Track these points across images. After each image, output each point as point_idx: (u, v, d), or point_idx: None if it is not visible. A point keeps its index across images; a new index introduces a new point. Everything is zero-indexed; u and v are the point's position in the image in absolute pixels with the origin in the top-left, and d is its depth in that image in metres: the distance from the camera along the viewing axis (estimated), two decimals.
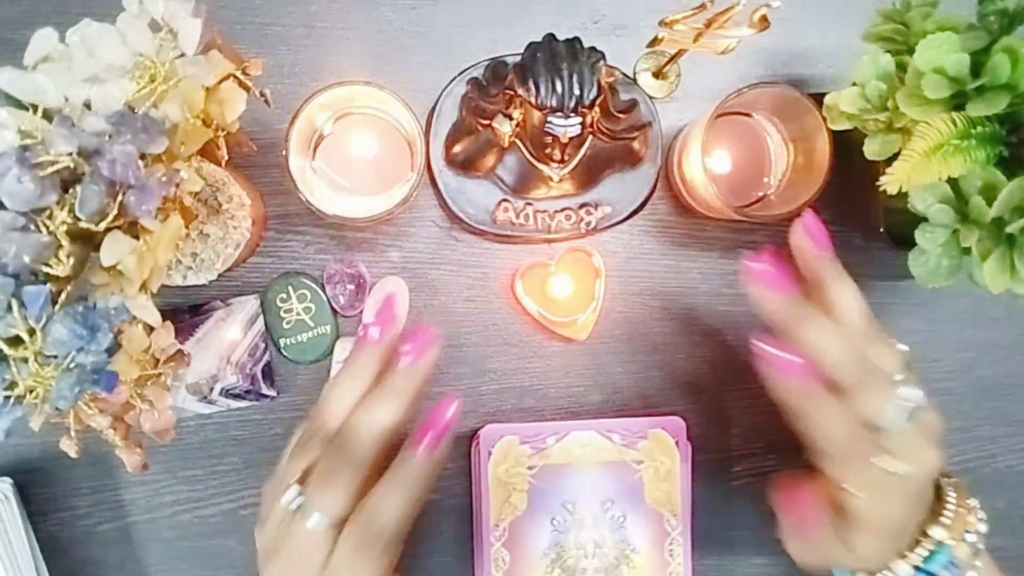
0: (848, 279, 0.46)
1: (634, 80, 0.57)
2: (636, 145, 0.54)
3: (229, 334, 0.55)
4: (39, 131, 0.36)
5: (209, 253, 0.52)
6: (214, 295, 0.55)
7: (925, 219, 0.45)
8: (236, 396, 0.55)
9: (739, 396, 0.60)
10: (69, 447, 0.39)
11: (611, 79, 0.48)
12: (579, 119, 0.48)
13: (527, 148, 0.52)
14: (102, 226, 0.36)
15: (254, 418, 0.57)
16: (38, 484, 0.55)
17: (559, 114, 0.47)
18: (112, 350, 0.38)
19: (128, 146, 0.36)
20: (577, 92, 0.46)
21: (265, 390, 0.56)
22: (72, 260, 0.36)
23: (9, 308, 0.34)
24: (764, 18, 0.47)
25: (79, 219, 0.36)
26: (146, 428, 0.41)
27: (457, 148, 0.54)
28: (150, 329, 0.40)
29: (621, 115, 0.51)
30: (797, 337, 0.43)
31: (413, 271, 0.57)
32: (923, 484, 0.43)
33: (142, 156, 0.37)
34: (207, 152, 0.43)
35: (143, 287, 0.38)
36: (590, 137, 0.51)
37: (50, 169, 0.35)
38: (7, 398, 0.36)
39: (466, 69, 0.55)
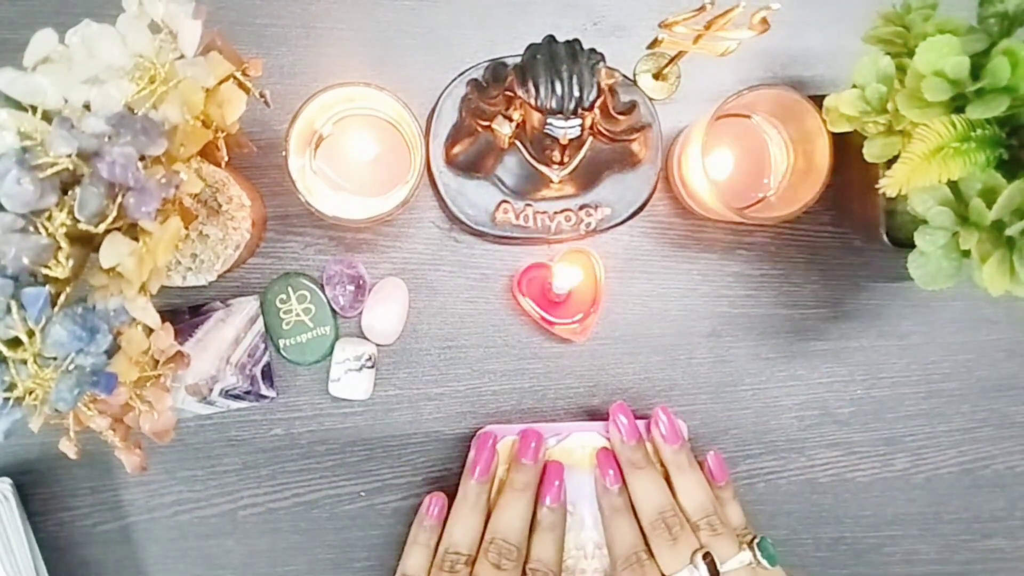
0: (693, 471, 0.53)
1: (634, 82, 0.57)
2: (636, 147, 0.54)
3: (229, 335, 0.55)
4: (39, 133, 0.36)
5: (209, 254, 0.52)
6: (214, 296, 0.55)
7: (925, 221, 0.45)
8: (235, 397, 0.55)
9: (739, 397, 0.60)
10: (68, 448, 0.39)
11: (611, 81, 0.48)
12: (579, 121, 0.48)
13: (527, 149, 0.52)
14: (101, 228, 0.36)
15: (253, 419, 0.57)
16: (38, 484, 0.55)
17: (559, 116, 0.47)
18: (111, 352, 0.38)
19: (127, 148, 0.36)
20: (577, 94, 0.46)
21: (264, 391, 0.56)
22: (71, 262, 0.36)
23: (8, 310, 0.34)
24: (764, 20, 0.47)
25: (78, 221, 0.36)
26: (145, 429, 0.41)
27: (457, 149, 0.54)
28: (149, 330, 0.40)
29: (621, 116, 0.51)
30: (627, 479, 0.53)
31: (413, 272, 0.57)
32: None
33: (141, 158, 0.37)
34: (207, 153, 0.43)
35: (142, 289, 0.38)
36: (590, 139, 0.51)
37: (49, 171, 0.35)
38: (7, 399, 0.35)
39: (466, 70, 0.55)
